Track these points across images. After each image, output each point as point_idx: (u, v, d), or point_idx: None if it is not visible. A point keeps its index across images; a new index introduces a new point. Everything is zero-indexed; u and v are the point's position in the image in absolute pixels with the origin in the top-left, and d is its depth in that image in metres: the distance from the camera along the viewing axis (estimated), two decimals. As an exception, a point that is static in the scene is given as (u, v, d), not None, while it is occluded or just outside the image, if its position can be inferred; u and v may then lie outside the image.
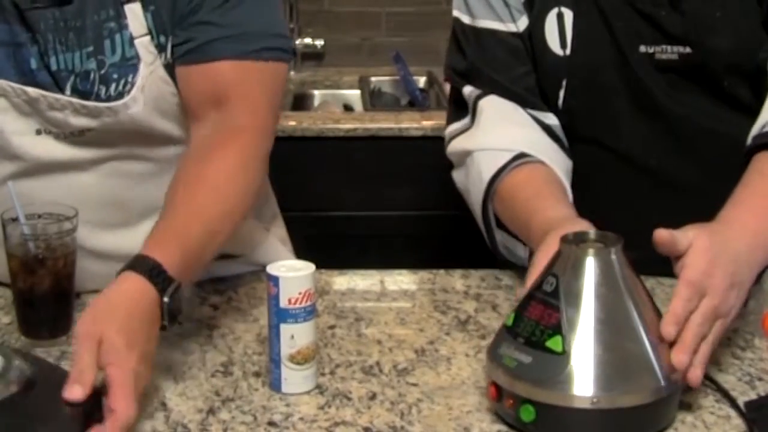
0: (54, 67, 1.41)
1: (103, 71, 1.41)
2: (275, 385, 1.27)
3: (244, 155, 1.41)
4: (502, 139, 1.52)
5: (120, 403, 1.14)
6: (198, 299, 1.53)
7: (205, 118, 1.43)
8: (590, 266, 1.17)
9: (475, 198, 1.55)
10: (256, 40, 1.42)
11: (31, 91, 1.40)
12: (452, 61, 1.62)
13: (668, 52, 1.51)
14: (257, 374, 1.31)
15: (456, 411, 1.23)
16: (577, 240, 1.20)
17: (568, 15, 1.53)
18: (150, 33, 1.42)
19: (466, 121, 1.59)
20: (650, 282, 1.58)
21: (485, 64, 1.57)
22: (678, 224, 1.41)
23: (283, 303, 1.23)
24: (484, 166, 1.52)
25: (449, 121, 1.63)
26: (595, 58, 1.53)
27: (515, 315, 1.19)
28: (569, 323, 1.15)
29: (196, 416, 1.22)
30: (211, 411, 1.23)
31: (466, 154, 1.56)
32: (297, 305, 1.24)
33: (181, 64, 1.43)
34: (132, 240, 1.40)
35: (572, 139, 1.58)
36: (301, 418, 1.22)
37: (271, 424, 1.20)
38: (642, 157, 1.56)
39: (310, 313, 1.25)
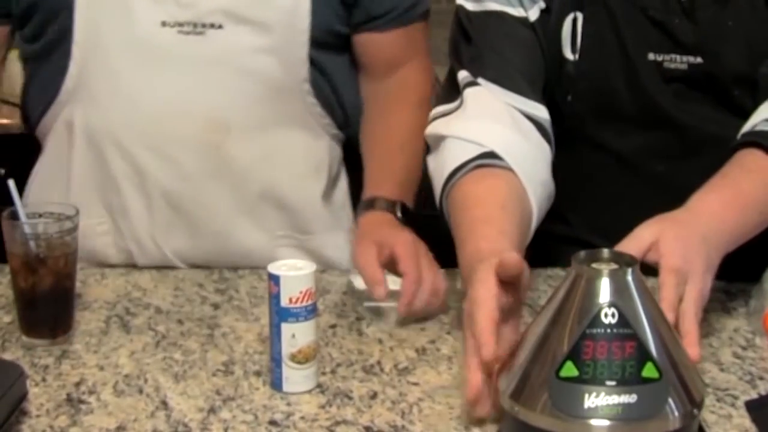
0: None
1: None
2: (276, 384, 1.27)
3: (423, 102, 1.66)
4: (477, 132, 1.47)
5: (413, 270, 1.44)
6: (199, 298, 1.53)
7: (382, 77, 1.68)
8: (629, 288, 1.10)
9: (435, 189, 1.50)
10: (422, 4, 1.70)
11: None
12: (456, 47, 1.58)
13: (677, 61, 1.49)
14: (258, 373, 1.31)
15: (457, 410, 1.23)
16: (589, 260, 1.13)
17: (581, 19, 1.52)
18: None
19: (454, 104, 1.53)
20: (650, 281, 1.58)
21: (489, 47, 1.53)
22: None
23: (284, 302, 1.23)
24: (450, 157, 1.47)
25: (437, 103, 1.57)
26: (603, 63, 1.52)
27: (573, 364, 1.07)
28: (652, 345, 1.08)
29: (197, 415, 1.22)
30: (212, 410, 1.23)
31: (441, 139, 1.51)
32: (298, 304, 1.24)
33: (371, 31, 1.64)
34: (222, 166, 1.59)
35: (579, 142, 1.57)
36: (302, 417, 1.22)
37: (272, 423, 1.20)
38: (649, 162, 1.55)
39: (311, 312, 1.25)
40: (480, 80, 1.51)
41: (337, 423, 1.20)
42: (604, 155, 1.57)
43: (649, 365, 1.07)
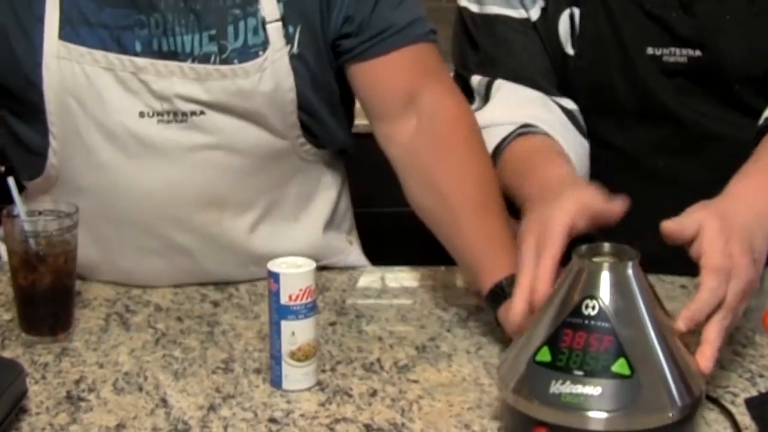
0: (171, 48, 1.42)
1: (224, 55, 1.43)
2: (276, 382, 1.27)
3: (476, 136, 1.47)
4: (509, 114, 1.48)
5: None
6: (198, 296, 1.53)
7: (401, 112, 1.47)
8: (629, 282, 1.11)
9: None
10: (422, 24, 1.50)
11: (140, 60, 1.41)
12: (462, 52, 1.59)
13: (676, 55, 1.49)
14: (258, 371, 1.31)
15: (457, 408, 1.23)
16: (590, 254, 1.14)
17: (578, 15, 1.53)
18: (282, 20, 1.43)
19: (475, 105, 1.55)
20: (651, 279, 1.58)
21: (498, 52, 1.54)
22: None
23: (284, 299, 1.23)
24: (488, 141, 1.48)
25: None
26: (600, 59, 1.52)
27: (548, 349, 1.10)
28: (628, 343, 1.08)
29: (197, 413, 1.22)
30: (212, 408, 1.23)
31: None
32: (298, 302, 1.24)
33: (370, 58, 1.46)
34: (220, 240, 1.51)
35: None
36: (302, 415, 1.21)
37: (272, 420, 1.20)
38: (650, 157, 1.55)
39: (311, 309, 1.25)
40: (497, 81, 1.53)
41: (337, 421, 1.20)
42: (605, 151, 1.57)
43: (621, 361, 1.08)
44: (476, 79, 1.55)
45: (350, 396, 1.26)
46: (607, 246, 1.15)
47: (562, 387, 1.08)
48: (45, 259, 1.35)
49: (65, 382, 1.28)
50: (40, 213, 1.38)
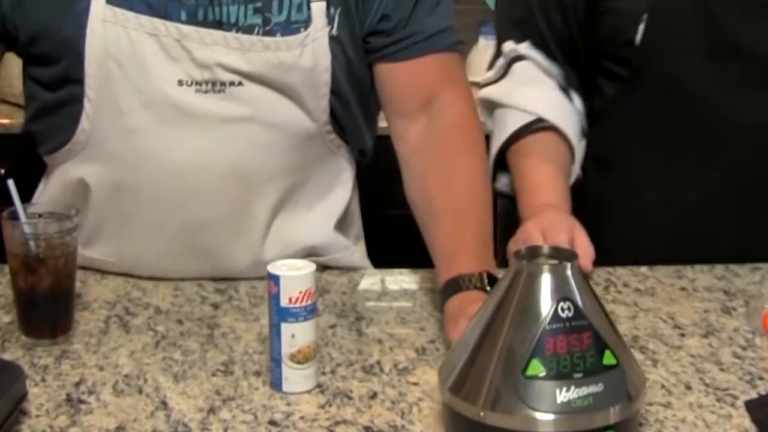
0: (216, 18, 1.45)
1: (268, 27, 1.46)
2: (276, 384, 1.27)
3: (476, 144, 1.53)
4: (528, 101, 1.60)
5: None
6: (198, 298, 1.53)
7: (416, 113, 1.52)
8: (571, 281, 1.12)
9: (495, 143, 1.65)
10: (452, 34, 1.54)
11: (185, 27, 1.44)
12: (510, 8, 1.68)
13: None
14: (258, 373, 1.31)
15: (457, 410, 1.23)
16: (530, 256, 1.14)
17: None
18: (326, 0, 1.47)
19: (497, 72, 1.68)
20: (650, 281, 1.58)
21: (540, 11, 1.64)
22: (745, 166, 1.49)
23: (284, 302, 1.23)
24: (509, 122, 1.63)
25: (489, 67, 1.71)
26: (673, 1, 1.54)
27: (539, 361, 1.08)
28: (605, 334, 1.11)
29: (197, 415, 1.22)
30: (212, 410, 1.23)
31: (496, 106, 1.66)
32: (298, 304, 1.24)
33: (397, 60, 1.51)
34: (237, 218, 1.53)
35: (645, 80, 1.59)
36: (302, 417, 1.21)
37: (272, 423, 1.20)
38: (717, 98, 1.55)
39: (311, 312, 1.25)
40: (519, 63, 1.65)
41: (337, 423, 1.20)
42: (670, 93, 1.58)
43: (607, 353, 1.10)
44: (507, 47, 1.66)
45: (350, 398, 1.26)
46: (545, 248, 1.16)
47: (568, 394, 1.08)
48: (45, 262, 1.35)
49: (65, 384, 1.28)
50: (40, 215, 1.38)
